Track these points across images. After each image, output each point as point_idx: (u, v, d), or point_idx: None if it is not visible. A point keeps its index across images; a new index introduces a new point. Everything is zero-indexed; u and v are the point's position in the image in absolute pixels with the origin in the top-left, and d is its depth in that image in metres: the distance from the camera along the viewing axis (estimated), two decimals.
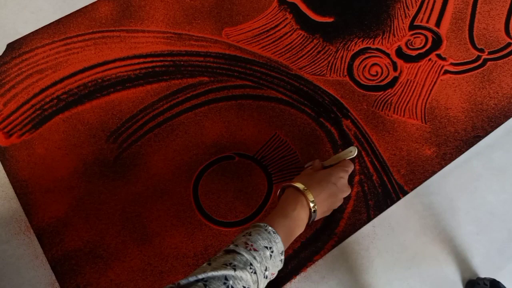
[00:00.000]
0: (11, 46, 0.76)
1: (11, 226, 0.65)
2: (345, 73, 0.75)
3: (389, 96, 0.74)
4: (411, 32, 0.79)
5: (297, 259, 0.63)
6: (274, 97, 0.73)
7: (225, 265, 0.38)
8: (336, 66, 0.76)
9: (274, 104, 0.73)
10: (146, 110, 0.72)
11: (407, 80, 0.75)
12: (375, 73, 0.76)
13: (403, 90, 0.74)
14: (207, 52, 0.76)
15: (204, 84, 0.74)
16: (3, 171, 0.67)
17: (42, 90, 0.73)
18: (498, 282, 0.58)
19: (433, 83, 0.75)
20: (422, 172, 0.68)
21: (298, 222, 0.50)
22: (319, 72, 0.75)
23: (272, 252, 0.43)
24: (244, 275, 0.38)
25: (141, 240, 0.63)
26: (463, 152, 0.70)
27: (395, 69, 0.76)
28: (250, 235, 0.44)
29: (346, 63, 0.76)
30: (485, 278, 0.61)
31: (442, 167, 0.69)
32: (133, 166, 0.68)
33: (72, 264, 0.62)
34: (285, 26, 0.80)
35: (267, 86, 0.74)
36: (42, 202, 0.65)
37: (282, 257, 0.45)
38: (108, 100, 0.72)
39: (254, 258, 0.41)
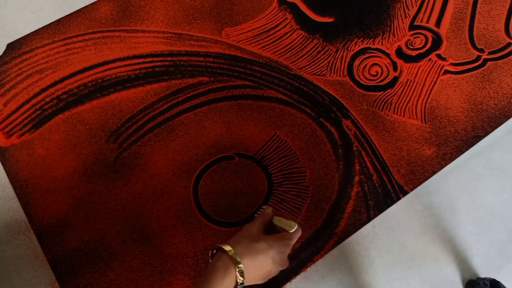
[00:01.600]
0: (11, 46, 0.76)
1: (11, 226, 0.65)
2: (345, 73, 0.75)
3: (389, 96, 0.74)
4: (411, 32, 0.79)
5: (297, 259, 0.63)
6: (274, 97, 0.73)
7: None
8: (336, 66, 0.76)
9: (274, 104, 0.73)
10: (146, 110, 0.72)
11: (407, 80, 0.75)
12: (375, 73, 0.76)
13: (403, 90, 0.74)
14: (207, 52, 0.76)
15: (204, 84, 0.74)
16: (3, 171, 0.67)
17: (42, 90, 0.73)
18: (498, 282, 0.58)
19: (433, 83, 0.75)
20: (422, 172, 0.68)
21: (221, 279, 0.46)
22: (319, 72, 0.75)
23: None
24: None
25: (141, 240, 0.63)
26: (463, 152, 0.70)
27: (395, 69, 0.76)
28: None
29: (346, 63, 0.76)
30: (485, 278, 0.61)
31: (442, 167, 0.69)
32: (133, 166, 0.68)
33: (72, 264, 0.62)
34: (285, 26, 0.80)
35: (267, 86, 0.74)
36: (42, 202, 0.65)
37: None
38: (108, 100, 0.72)
39: None
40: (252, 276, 0.48)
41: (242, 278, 0.47)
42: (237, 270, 0.46)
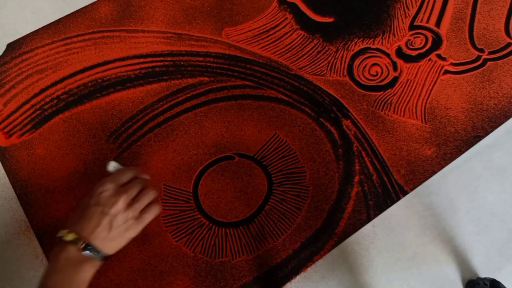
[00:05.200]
0: (11, 46, 0.76)
1: (11, 226, 0.65)
2: (345, 73, 0.75)
3: (389, 96, 0.74)
4: (411, 32, 0.79)
5: (297, 259, 0.63)
6: (274, 97, 0.73)
7: None
8: (336, 66, 0.76)
9: (274, 104, 0.73)
10: (146, 110, 0.72)
11: (407, 80, 0.75)
12: (375, 73, 0.76)
13: (403, 90, 0.74)
14: (207, 52, 0.76)
15: (204, 84, 0.74)
16: (3, 171, 0.67)
17: (42, 90, 0.73)
18: (498, 282, 0.58)
19: (433, 83, 0.75)
20: (422, 172, 0.68)
21: (74, 269, 0.42)
22: (319, 72, 0.75)
23: None
24: None
25: (141, 240, 0.63)
26: (463, 152, 0.70)
27: (395, 69, 0.76)
28: None
29: (346, 63, 0.76)
30: (485, 278, 0.61)
31: (442, 167, 0.69)
32: (133, 166, 0.68)
33: None
34: (285, 26, 0.80)
35: (267, 86, 0.74)
36: (42, 202, 0.65)
37: None
38: (108, 100, 0.72)
39: None
40: (94, 235, 0.43)
41: (80, 243, 0.43)
42: (66, 239, 0.43)
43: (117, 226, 0.45)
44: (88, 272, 0.43)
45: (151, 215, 0.49)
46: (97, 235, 0.44)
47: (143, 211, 0.49)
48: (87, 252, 0.43)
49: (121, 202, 0.46)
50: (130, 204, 0.47)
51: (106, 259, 0.45)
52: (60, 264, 0.42)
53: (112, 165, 0.53)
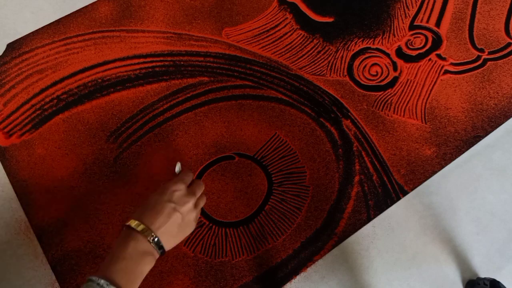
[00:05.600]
0: (11, 46, 0.76)
1: (11, 226, 0.65)
2: (345, 73, 0.75)
3: (389, 96, 0.74)
4: (411, 32, 0.79)
5: (297, 259, 0.63)
6: (274, 97, 0.73)
7: None
8: (336, 66, 0.76)
9: (274, 104, 0.73)
10: (146, 110, 0.72)
11: (407, 80, 0.75)
12: (375, 73, 0.76)
13: (403, 90, 0.74)
14: (207, 52, 0.76)
15: (204, 84, 0.74)
16: (3, 171, 0.67)
17: (42, 90, 0.73)
18: (498, 282, 0.58)
19: (433, 83, 0.75)
20: (422, 172, 0.68)
21: (139, 259, 0.43)
22: (319, 72, 0.75)
23: None
24: None
25: None
26: (463, 152, 0.70)
27: (395, 69, 0.76)
28: None
29: (346, 63, 0.76)
30: (485, 278, 0.61)
31: (442, 167, 0.69)
32: (133, 166, 0.68)
33: (72, 264, 0.62)
34: (285, 26, 0.80)
35: (267, 86, 0.74)
36: (42, 202, 0.65)
37: None
38: (108, 100, 0.72)
39: None
40: (163, 230, 0.46)
41: (150, 235, 0.44)
42: (139, 230, 0.44)
43: (185, 224, 0.48)
44: (149, 265, 0.44)
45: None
46: (166, 230, 0.46)
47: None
48: (155, 245, 0.45)
49: (191, 203, 0.49)
50: (195, 206, 0.50)
51: (163, 254, 0.47)
52: (127, 252, 0.43)
53: (179, 167, 0.55)
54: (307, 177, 0.67)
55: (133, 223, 0.45)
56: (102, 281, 0.40)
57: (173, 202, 0.48)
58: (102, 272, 0.42)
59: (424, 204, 0.67)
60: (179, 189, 0.49)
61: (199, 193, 0.51)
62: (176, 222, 0.47)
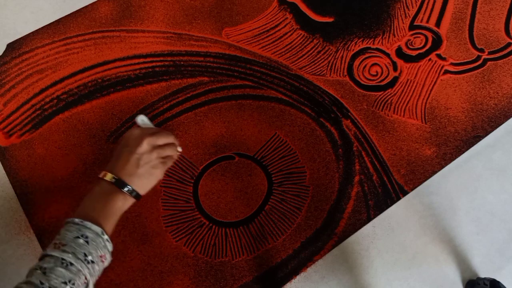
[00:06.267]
0: (11, 46, 0.76)
1: (11, 226, 0.65)
2: (345, 73, 0.75)
3: (389, 96, 0.74)
4: (411, 32, 0.79)
5: (297, 259, 0.63)
6: (274, 97, 0.73)
7: (32, 271, 0.39)
8: (336, 66, 0.76)
9: (274, 104, 0.73)
10: (146, 110, 0.72)
11: (407, 80, 0.75)
12: (375, 73, 0.76)
13: (403, 90, 0.74)
14: (207, 52, 0.76)
15: (204, 84, 0.74)
16: (3, 171, 0.67)
17: (42, 90, 0.73)
18: (498, 282, 0.58)
19: (433, 83, 0.75)
20: (422, 172, 0.68)
21: (108, 197, 0.47)
22: (319, 72, 0.75)
23: (86, 238, 0.43)
24: (56, 272, 0.39)
25: (141, 240, 0.63)
26: (463, 152, 0.70)
27: (395, 69, 0.76)
28: (58, 234, 0.44)
29: (346, 63, 0.76)
30: (485, 278, 0.61)
31: (442, 167, 0.69)
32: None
33: None
34: (285, 26, 0.80)
35: (267, 86, 0.74)
36: (42, 202, 0.65)
37: (105, 236, 0.45)
38: (108, 100, 0.72)
39: (64, 251, 0.41)
40: (123, 171, 0.49)
41: (110, 176, 0.49)
42: (99, 175, 0.49)
43: (143, 163, 0.50)
44: (119, 202, 0.48)
45: (171, 161, 0.55)
46: (126, 171, 0.49)
47: (165, 158, 0.54)
48: (117, 184, 0.48)
49: (146, 143, 0.51)
50: (155, 148, 0.52)
51: (138, 198, 0.50)
52: (94, 195, 0.48)
53: (140, 118, 0.57)
54: (307, 177, 0.67)
55: (100, 174, 0.49)
56: (76, 220, 0.44)
57: (128, 145, 0.51)
58: (75, 214, 0.46)
59: (424, 204, 0.67)
60: (132, 133, 0.53)
61: (160, 137, 0.53)
62: (134, 163, 0.50)
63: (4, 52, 0.76)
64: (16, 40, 0.77)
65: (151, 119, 0.71)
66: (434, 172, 0.68)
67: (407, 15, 0.81)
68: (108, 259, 0.45)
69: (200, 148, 0.69)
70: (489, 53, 0.78)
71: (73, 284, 0.39)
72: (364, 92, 0.74)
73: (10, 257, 0.63)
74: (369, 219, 0.65)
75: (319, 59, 0.77)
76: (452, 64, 0.77)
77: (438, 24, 0.80)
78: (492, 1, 0.83)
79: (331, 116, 0.72)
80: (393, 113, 0.72)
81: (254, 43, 0.77)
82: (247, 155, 0.69)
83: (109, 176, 0.48)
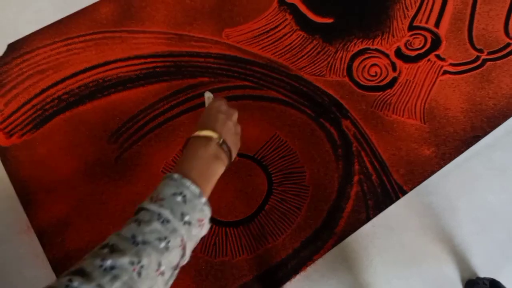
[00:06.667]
0: (12, 47, 0.77)
1: (12, 226, 0.65)
2: (345, 74, 0.76)
3: (388, 97, 0.74)
4: (410, 33, 0.80)
5: (297, 258, 0.63)
6: (274, 97, 0.73)
7: (128, 224, 0.37)
8: (336, 66, 0.76)
9: (274, 104, 0.73)
10: (147, 110, 0.72)
11: (406, 80, 0.75)
12: (374, 74, 0.76)
13: (402, 91, 0.75)
14: (208, 53, 0.77)
15: (204, 84, 0.74)
16: (4, 171, 0.67)
17: (43, 90, 0.73)
18: (498, 282, 0.58)
19: (432, 84, 0.75)
20: (421, 172, 0.68)
21: (210, 160, 0.45)
22: (318, 73, 0.76)
23: (184, 196, 0.40)
24: (151, 227, 0.36)
25: None
26: (462, 152, 0.70)
27: (394, 69, 0.76)
28: (156, 189, 0.41)
29: (346, 64, 0.76)
30: (484, 278, 0.61)
31: (441, 167, 0.69)
32: (134, 166, 0.68)
33: (73, 264, 0.62)
34: (285, 27, 0.80)
35: (267, 86, 0.74)
36: (43, 202, 0.65)
37: (203, 199, 0.41)
38: (109, 101, 0.72)
39: (161, 206, 0.38)
40: (224, 134, 0.48)
41: (217, 137, 0.46)
42: (207, 135, 0.46)
43: (236, 132, 0.50)
44: (222, 166, 0.45)
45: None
46: (226, 135, 0.47)
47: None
48: (224, 147, 0.46)
49: (236, 114, 0.51)
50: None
51: (230, 163, 0.47)
52: (198, 154, 0.45)
53: (207, 96, 0.57)
54: (307, 177, 0.68)
55: (200, 132, 0.46)
56: (175, 175, 0.41)
57: (223, 113, 0.49)
58: (175, 170, 0.43)
59: (424, 204, 0.67)
60: (223, 103, 0.51)
61: (235, 113, 0.52)
62: (230, 130, 0.49)
63: (5, 52, 0.76)
64: (17, 40, 0.77)
65: (152, 119, 0.71)
66: (433, 172, 0.68)
67: (406, 15, 0.81)
68: (206, 225, 0.42)
69: None
70: (488, 54, 0.78)
71: (168, 242, 0.36)
72: (364, 92, 0.74)
73: (11, 257, 0.63)
74: (368, 219, 0.65)
75: (319, 60, 0.77)
76: (451, 64, 0.77)
77: (437, 24, 0.81)
78: (491, 2, 0.83)
79: (330, 117, 0.72)
80: (392, 113, 0.73)
81: (254, 44, 0.78)
82: (247, 155, 0.69)
83: (217, 137, 0.45)
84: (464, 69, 0.77)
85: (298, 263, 0.63)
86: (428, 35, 0.79)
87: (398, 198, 0.67)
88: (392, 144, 0.70)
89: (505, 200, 0.68)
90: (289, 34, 0.79)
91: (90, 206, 0.65)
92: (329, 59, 0.77)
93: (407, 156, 0.69)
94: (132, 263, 0.33)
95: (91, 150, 0.69)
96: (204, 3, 0.81)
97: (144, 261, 0.34)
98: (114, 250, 0.34)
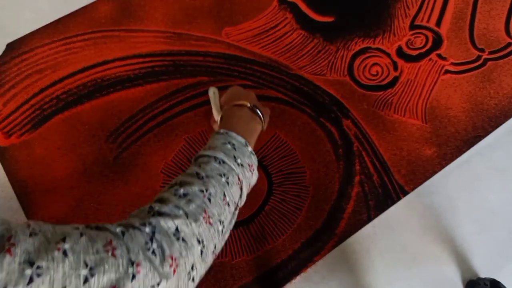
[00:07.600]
0: (10, 46, 0.76)
1: None
2: (346, 73, 0.75)
3: (389, 96, 0.73)
4: (412, 32, 0.79)
5: (297, 259, 0.62)
6: (274, 97, 0.73)
7: (191, 166, 0.42)
8: (337, 65, 0.76)
9: (274, 104, 0.72)
10: (145, 110, 0.71)
11: (408, 80, 0.75)
12: (375, 73, 0.75)
13: (403, 90, 0.74)
14: (207, 52, 0.76)
15: (204, 84, 0.74)
16: (3, 171, 0.67)
17: (42, 90, 0.73)
18: (499, 282, 0.58)
19: (433, 83, 0.75)
20: (422, 172, 0.68)
21: (249, 118, 0.53)
22: (319, 72, 0.75)
23: (233, 145, 0.45)
24: (211, 166, 0.41)
25: None
26: (464, 152, 0.70)
27: (395, 69, 0.76)
28: (206, 143, 0.47)
29: (347, 63, 0.76)
30: (485, 278, 0.61)
31: (443, 167, 0.69)
32: (133, 166, 0.68)
33: None
34: (285, 25, 0.79)
35: (267, 86, 0.74)
36: (41, 202, 0.65)
37: (249, 148, 0.46)
38: (108, 100, 0.72)
39: (215, 152, 0.43)
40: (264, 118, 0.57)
41: (261, 120, 0.55)
42: (245, 103, 0.55)
43: (260, 105, 0.57)
44: (257, 125, 0.54)
45: None
46: (255, 102, 0.56)
47: None
48: (256, 110, 0.54)
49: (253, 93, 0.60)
50: None
51: (263, 127, 0.56)
52: (235, 116, 0.53)
53: (213, 91, 0.64)
54: (307, 177, 0.67)
55: (232, 103, 0.55)
56: (221, 130, 0.47)
57: (243, 90, 0.59)
58: (220, 127, 0.50)
59: (425, 204, 0.67)
60: (238, 86, 0.60)
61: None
62: (256, 100, 0.58)
63: (4, 52, 0.76)
64: (16, 40, 0.77)
65: (150, 119, 0.71)
66: (435, 172, 0.68)
67: (407, 14, 0.81)
68: (255, 172, 0.46)
69: (200, 148, 0.69)
70: (490, 53, 0.78)
71: (228, 178, 0.40)
72: (365, 92, 0.74)
73: None
74: (369, 219, 0.65)
75: (319, 59, 0.76)
76: (452, 64, 0.77)
77: (438, 23, 0.80)
78: (492, 1, 0.83)
79: (331, 116, 0.72)
80: (394, 113, 0.72)
81: (254, 43, 0.77)
82: None
83: (248, 102, 0.54)
84: (466, 68, 0.76)
85: (298, 264, 0.62)
86: (430, 34, 0.79)
87: (399, 198, 0.66)
88: (394, 144, 0.70)
89: (506, 200, 0.68)
90: (289, 33, 0.79)
91: (88, 206, 0.65)
92: (329, 58, 0.76)
93: (408, 156, 0.69)
94: (201, 191, 0.38)
95: (89, 150, 0.68)
96: (203, 1, 0.80)
97: (211, 190, 0.38)
98: (183, 184, 0.38)
